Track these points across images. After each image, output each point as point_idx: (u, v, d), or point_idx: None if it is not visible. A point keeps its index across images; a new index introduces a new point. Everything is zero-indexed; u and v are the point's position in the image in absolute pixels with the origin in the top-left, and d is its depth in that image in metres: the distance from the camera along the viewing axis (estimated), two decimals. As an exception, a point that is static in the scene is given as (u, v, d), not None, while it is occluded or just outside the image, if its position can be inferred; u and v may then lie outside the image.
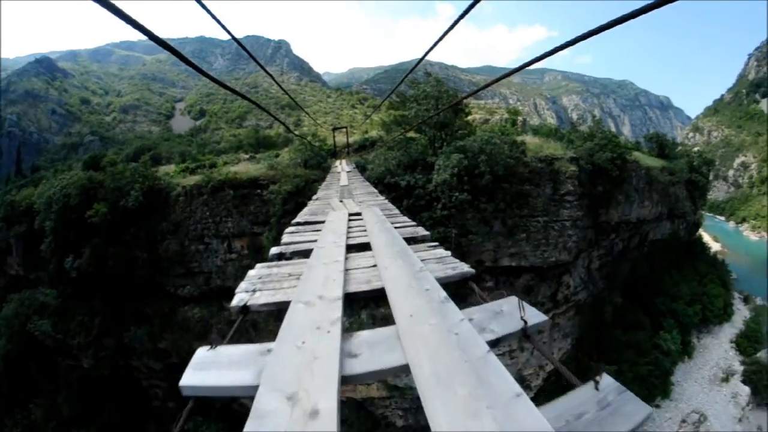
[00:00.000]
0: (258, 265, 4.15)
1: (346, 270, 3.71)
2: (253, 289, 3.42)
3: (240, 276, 5.17)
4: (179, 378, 2.14)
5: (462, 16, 4.34)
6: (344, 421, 21.66)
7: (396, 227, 5.74)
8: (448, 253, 4.39)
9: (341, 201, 9.97)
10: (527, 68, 4.01)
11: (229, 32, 6.35)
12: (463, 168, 22.24)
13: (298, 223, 7.05)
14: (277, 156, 32.86)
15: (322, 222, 6.58)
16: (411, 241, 5.12)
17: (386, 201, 10.49)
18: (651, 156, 45.06)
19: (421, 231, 5.77)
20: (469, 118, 29.69)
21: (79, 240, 27.17)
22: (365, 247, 4.79)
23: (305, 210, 8.99)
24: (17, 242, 33.88)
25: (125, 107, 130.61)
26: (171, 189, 28.10)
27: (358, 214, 7.32)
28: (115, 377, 27.89)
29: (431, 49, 6.07)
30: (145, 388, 28.91)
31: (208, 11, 5.11)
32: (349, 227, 5.89)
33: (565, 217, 25.60)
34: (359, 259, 4.24)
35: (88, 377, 28.42)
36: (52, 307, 29.32)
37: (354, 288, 3.35)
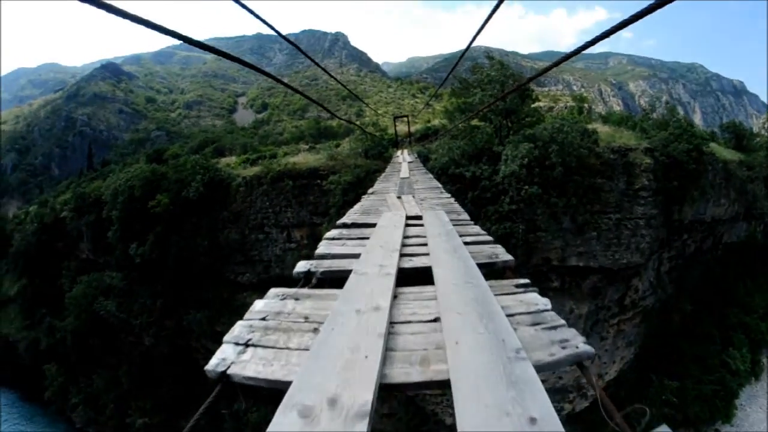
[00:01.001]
0: (272, 292, 3.10)
1: (391, 325, 2.45)
2: (246, 341, 2.35)
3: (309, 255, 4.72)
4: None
5: (497, 7, 4.79)
6: (392, 414, 20.73)
7: (467, 242, 4.48)
8: (547, 302, 2.88)
9: (399, 197, 8.82)
10: (590, 52, 3.82)
11: (279, 33, 6.82)
12: (533, 158, 20.69)
13: (344, 225, 6.06)
14: (337, 146, 32.58)
15: (373, 225, 5.54)
16: (489, 271, 3.75)
17: (452, 200, 9.02)
18: (727, 148, 40.82)
19: (502, 253, 4.24)
20: (536, 104, 27.69)
21: (143, 228, 28.24)
22: (424, 276, 3.45)
23: (356, 207, 8.01)
24: (87, 230, 36.05)
25: (189, 103, 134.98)
26: (231, 180, 28.48)
27: (419, 218, 6.16)
28: (174, 356, 28.87)
29: (478, 33, 6.44)
30: (202, 367, 29.24)
31: (260, 18, 5.70)
32: (405, 237, 4.85)
33: (638, 214, 23.57)
34: (413, 302, 2.87)
35: (148, 354, 29.78)
36: (118, 288, 30.99)
37: (398, 374, 2.00)
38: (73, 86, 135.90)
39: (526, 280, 3.29)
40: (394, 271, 3.35)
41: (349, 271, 3.32)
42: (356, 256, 3.95)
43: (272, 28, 6.39)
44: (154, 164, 32.24)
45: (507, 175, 21.01)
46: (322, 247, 4.62)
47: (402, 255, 4.01)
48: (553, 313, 2.69)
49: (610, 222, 23.03)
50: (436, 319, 2.52)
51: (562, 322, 2.55)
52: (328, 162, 26.75)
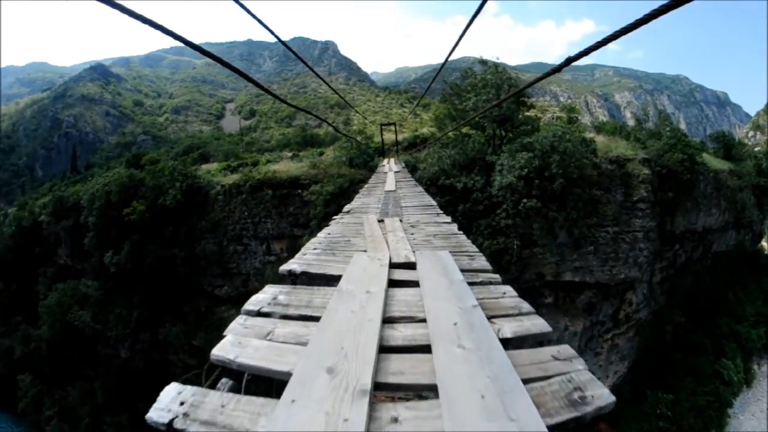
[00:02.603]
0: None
1: None
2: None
3: (279, 279, 4.26)
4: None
5: (481, 7, 4.70)
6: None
7: (506, 338, 2.61)
8: None
9: (381, 221, 6.87)
10: (577, 64, 4.22)
11: (276, 36, 6.62)
12: (532, 169, 19.47)
13: (290, 275, 4.05)
14: (321, 154, 31.63)
15: (334, 280, 3.62)
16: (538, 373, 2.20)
17: (454, 226, 6.72)
18: (717, 158, 41.03)
19: (590, 381, 2.04)
20: (530, 113, 26.45)
21: (119, 236, 27.33)
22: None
23: (320, 236, 5.92)
24: (65, 235, 35.12)
25: (177, 108, 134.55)
26: (210, 188, 27.63)
27: (410, 266, 4.13)
28: (151, 370, 27.90)
29: (461, 37, 6.35)
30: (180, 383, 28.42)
31: (257, 19, 5.52)
32: (387, 306, 2.96)
33: (637, 227, 22.80)
34: None
35: (125, 367, 29.00)
36: (93, 298, 30.07)
37: None
38: (60, 86, 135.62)
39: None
40: (364, 416, 1.71)
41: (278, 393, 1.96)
42: (303, 345, 2.43)
43: (273, 33, 6.44)
44: (132, 169, 31.31)
45: (503, 186, 19.82)
46: (239, 325, 2.81)
47: (382, 353, 2.33)
48: None
49: (608, 235, 22.22)
50: None
51: None
52: (311, 171, 25.76)
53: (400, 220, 7.12)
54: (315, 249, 5.10)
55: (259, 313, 2.97)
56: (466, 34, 6.10)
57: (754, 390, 31.45)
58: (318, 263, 4.37)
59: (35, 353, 31.96)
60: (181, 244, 26.89)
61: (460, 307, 2.88)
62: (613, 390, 24.27)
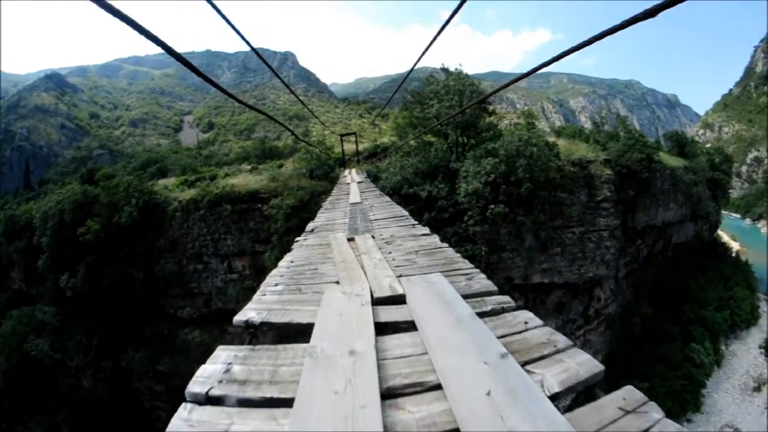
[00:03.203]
0: None
1: None
2: None
3: (242, 298, 3.57)
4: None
5: (451, 18, 4.63)
6: None
7: (502, 339, 2.49)
8: None
9: (352, 239, 6.11)
10: (533, 73, 3.89)
11: (243, 37, 6.20)
12: (498, 174, 19.45)
13: (249, 327, 3.22)
14: (280, 167, 31.02)
15: (305, 331, 2.81)
16: None
17: (435, 238, 6.04)
18: (671, 155, 43.16)
19: (594, 369, 2.33)
20: (491, 119, 26.00)
21: (75, 257, 26.15)
22: None
23: (282, 266, 5.08)
24: (18, 257, 33.24)
25: (134, 121, 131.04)
26: (168, 204, 26.75)
27: (397, 299, 3.34)
28: (117, 398, 26.93)
29: (424, 52, 6.36)
30: (147, 409, 27.57)
31: (224, 17, 5.06)
32: (382, 370, 2.20)
33: (601, 226, 23.35)
34: None
35: (88, 397, 27.70)
36: (51, 325, 28.66)
37: None
38: (14, 96, 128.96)
39: None
40: None
41: None
42: None
43: (240, 34, 5.98)
44: (87, 185, 29.94)
45: (469, 193, 19.76)
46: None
47: None
48: None
49: (574, 236, 22.60)
50: None
51: None
52: (270, 184, 25.13)
53: (373, 237, 6.22)
54: (276, 285, 4.20)
55: (209, 399, 2.06)
56: (426, 43, 5.92)
57: (725, 369, 33.46)
58: (281, 307, 3.46)
59: None
60: (138, 264, 25.87)
61: (485, 361, 2.15)
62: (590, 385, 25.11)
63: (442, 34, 5.28)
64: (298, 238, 7.03)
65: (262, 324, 3.21)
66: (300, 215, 19.55)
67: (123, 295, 25.85)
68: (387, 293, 3.44)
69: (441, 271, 3.99)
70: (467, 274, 4.00)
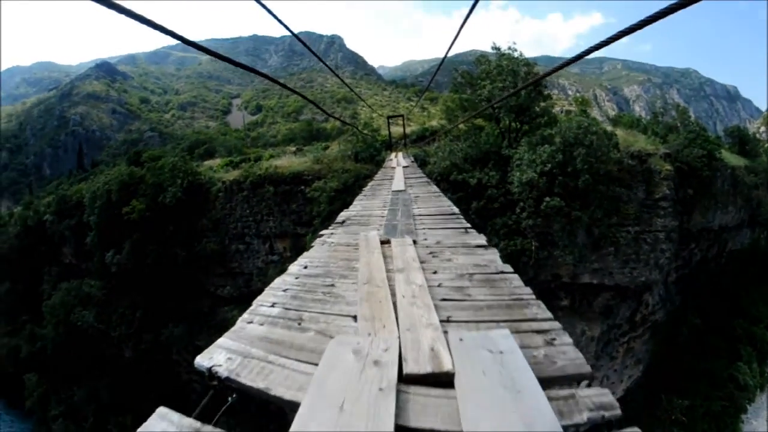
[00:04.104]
0: None
1: None
2: None
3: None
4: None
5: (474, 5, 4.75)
6: None
7: None
8: None
9: (387, 242, 4.93)
10: (585, 57, 3.43)
11: (285, 25, 6.28)
12: (555, 164, 17.78)
13: (213, 380, 2.30)
14: (325, 148, 30.48)
15: (287, 406, 1.99)
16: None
17: (496, 257, 4.19)
18: (732, 153, 39.53)
19: None
20: (547, 103, 24.16)
21: (121, 235, 27.02)
22: None
23: (288, 278, 3.96)
24: (69, 234, 34.95)
25: (183, 105, 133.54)
26: (211, 184, 26.95)
27: (441, 381, 1.98)
28: (156, 369, 27.65)
29: (458, 33, 6.44)
30: (185, 381, 28.25)
31: (265, 7, 5.18)
32: None
33: (658, 227, 21.27)
34: None
35: (129, 367, 28.70)
36: (96, 298, 29.89)
37: None
38: (66, 85, 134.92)
39: None
40: None
41: None
42: None
43: (283, 24, 6.15)
44: (133, 167, 30.65)
45: (523, 183, 18.15)
46: None
47: None
48: None
49: (629, 236, 20.69)
50: None
51: None
52: (314, 166, 24.71)
53: (414, 242, 4.87)
54: (273, 305, 3.24)
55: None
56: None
57: (768, 394, 31.17)
58: (263, 355, 2.41)
59: (41, 353, 31.87)
60: (182, 243, 26.33)
61: None
62: (627, 394, 23.06)
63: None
64: (323, 232, 6.01)
65: (228, 382, 2.22)
66: (344, 199, 18.77)
67: (166, 272, 26.43)
68: (426, 366, 2.05)
69: (508, 321, 2.70)
70: (545, 333, 2.54)
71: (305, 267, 4.23)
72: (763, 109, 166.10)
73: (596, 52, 3.07)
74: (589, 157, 17.92)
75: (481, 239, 5.01)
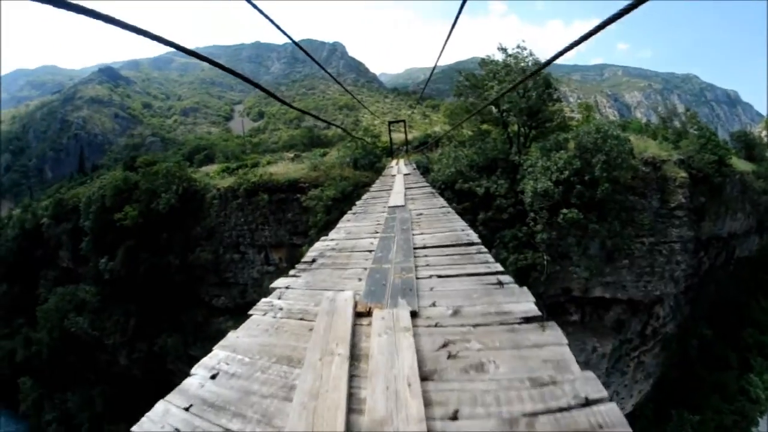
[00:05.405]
0: None
1: None
2: None
3: None
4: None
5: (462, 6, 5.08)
6: None
7: None
8: None
9: (366, 315, 2.59)
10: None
11: (286, 34, 6.37)
12: (573, 172, 16.53)
13: None
14: (323, 155, 29.39)
15: None
16: None
17: (567, 353, 1.87)
18: (739, 158, 38.63)
19: None
20: (557, 107, 22.78)
21: (114, 241, 26.57)
22: None
23: (193, 380, 2.18)
24: (66, 238, 34.81)
25: (185, 110, 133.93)
26: (206, 191, 26.34)
27: None
28: (150, 377, 27.17)
29: (447, 38, 6.75)
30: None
31: (267, 17, 5.42)
32: None
33: (674, 237, 20.24)
34: None
35: (124, 374, 28.58)
36: (91, 304, 29.68)
37: None
38: (70, 89, 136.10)
39: None
40: None
41: None
42: None
43: (284, 32, 6.28)
44: (128, 172, 30.05)
45: (538, 193, 16.79)
46: None
47: None
48: None
49: (644, 247, 19.61)
50: None
51: None
52: (311, 173, 23.80)
53: (414, 313, 2.55)
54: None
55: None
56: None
57: (780, 405, 30.72)
58: None
59: (36, 357, 31.70)
60: (176, 251, 25.72)
61: None
62: (637, 409, 22.08)
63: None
64: (279, 281, 3.70)
65: None
66: (341, 208, 17.66)
67: (160, 280, 25.87)
68: None
69: None
70: None
71: (213, 377, 2.17)
72: (764, 112, 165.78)
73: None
74: (608, 165, 16.80)
75: (526, 301, 2.54)
